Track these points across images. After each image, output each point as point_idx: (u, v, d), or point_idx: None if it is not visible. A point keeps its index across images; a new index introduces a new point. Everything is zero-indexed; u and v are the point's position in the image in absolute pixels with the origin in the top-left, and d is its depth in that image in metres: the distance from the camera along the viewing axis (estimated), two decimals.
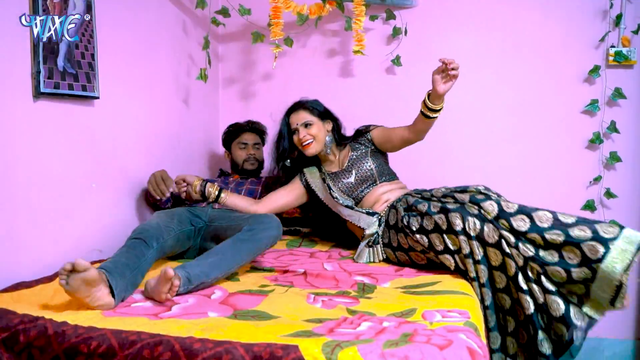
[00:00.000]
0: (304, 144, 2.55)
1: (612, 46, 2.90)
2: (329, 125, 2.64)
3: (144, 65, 2.59)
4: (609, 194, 2.95)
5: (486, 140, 3.10)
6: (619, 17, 2.87)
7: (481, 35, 3.08)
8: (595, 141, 2.95)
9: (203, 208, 2.53)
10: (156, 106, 2.70)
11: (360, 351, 1.24)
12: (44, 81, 1.92)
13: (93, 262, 2.12)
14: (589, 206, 2.99)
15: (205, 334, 1.40)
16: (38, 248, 1.95)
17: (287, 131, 2.62)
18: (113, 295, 1.68)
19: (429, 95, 2.27)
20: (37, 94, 1.91)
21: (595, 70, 2.93)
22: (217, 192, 2.51)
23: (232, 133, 3.04)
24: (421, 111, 2.31)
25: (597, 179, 2.98)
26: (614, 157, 2.93)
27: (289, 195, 2.65)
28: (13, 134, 1.84)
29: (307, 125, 2.55)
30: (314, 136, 2.55)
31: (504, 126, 3.08)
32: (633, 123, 2.95)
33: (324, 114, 2.63)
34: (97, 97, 2.20)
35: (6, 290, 1.71)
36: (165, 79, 2.79)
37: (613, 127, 2.92)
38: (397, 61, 3.12)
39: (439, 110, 2.29)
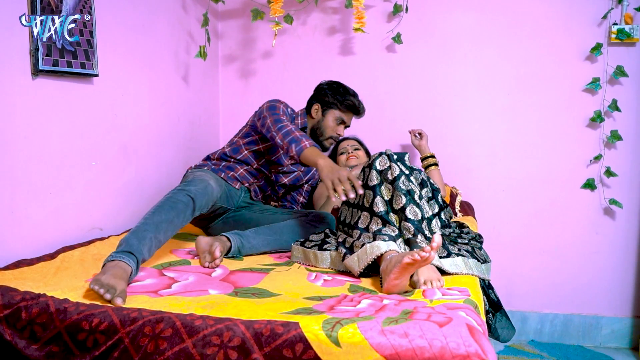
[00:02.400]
0: (350, 158, 2.84)
1: (615, 24, 2.87)
2: None
3: (143, 42, 2.57)
4: (609, 173, 2.95)
5: (487, 117, 3.09)
6: None
7: (483, 12, 3.05)
8: (596, 119, 2.94)
9: (236, 191, 2.51)
10: (156, 84, 2.68)
11: (360, 328, 1.25)
12: (43, 58, 1.90)
13: (94, 240, 2.14)
14: (589, 185, 2.99)
15: (206, 311, 1.41)
16: (38, 226, 1.96)
17: (334, 153, 2.97)
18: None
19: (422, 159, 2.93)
20: (36, 72, 1.89)
21: (597, 48, 2.90)
22: None
23: (340, 102, 2.66)
24: (434, 164, 2.86)
25: (598, 158, 2.98)
26: (615, 136, 2.92)
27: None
28: (12, 111, 1.83)
29: (355, 149, 2.91)
30: (359, 157, 2.86)
31: (505, 104, 3.07)
32: (634, 101, 2.94)
33: (369, 153, 2.97)
34: (96, 75, 2.18)
35: (7, 267, 1.72)
36: (164, 56, 2.77)
37: (614, 106, 2.90)
38: (397, 39, 3.10)
39: (434, 157, 2.90)
